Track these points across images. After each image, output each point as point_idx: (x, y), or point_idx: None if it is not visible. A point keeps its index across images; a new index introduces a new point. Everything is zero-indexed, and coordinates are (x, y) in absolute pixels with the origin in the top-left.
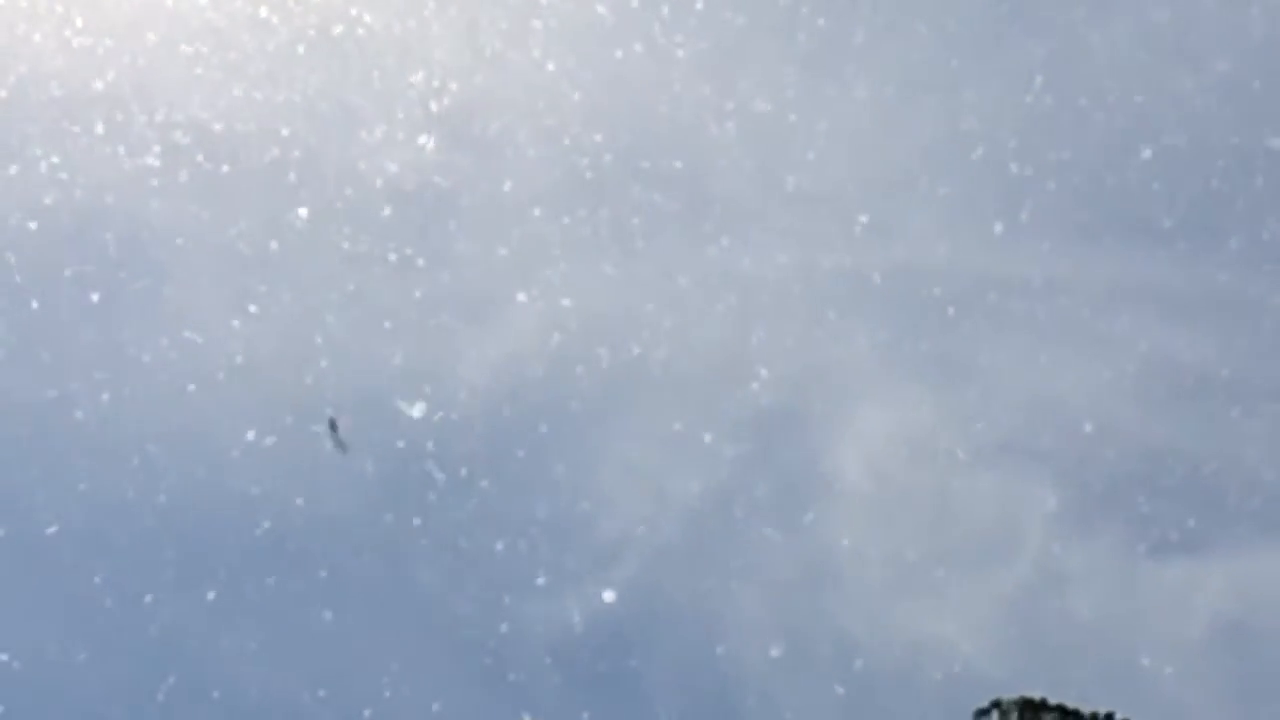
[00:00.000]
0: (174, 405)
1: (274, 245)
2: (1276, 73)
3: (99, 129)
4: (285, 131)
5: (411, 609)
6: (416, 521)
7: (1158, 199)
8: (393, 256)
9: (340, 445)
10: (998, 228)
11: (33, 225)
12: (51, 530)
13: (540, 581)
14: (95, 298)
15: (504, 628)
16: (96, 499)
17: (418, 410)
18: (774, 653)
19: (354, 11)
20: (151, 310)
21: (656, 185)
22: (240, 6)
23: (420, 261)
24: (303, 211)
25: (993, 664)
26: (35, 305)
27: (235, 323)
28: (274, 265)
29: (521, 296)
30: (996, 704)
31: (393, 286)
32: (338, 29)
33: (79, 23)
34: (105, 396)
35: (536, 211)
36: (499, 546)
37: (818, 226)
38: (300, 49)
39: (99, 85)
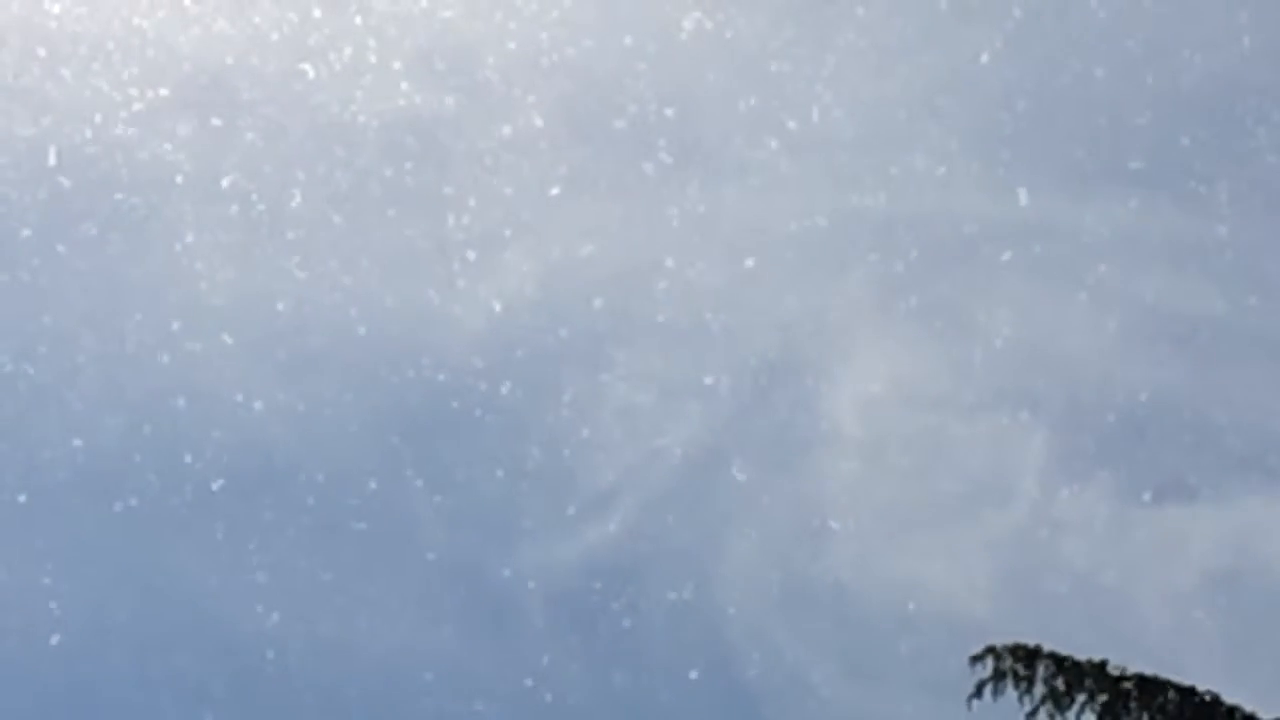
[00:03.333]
0: (165, 347)
1: (265, 187)
2: (1274, 17)
3: (88, 70)
4: (277, 73)
5: (404, 552)
6: (409, 465)
7: (1157, 146)
8: (384, 199)
9: None
10: (996, 175)
11: (23, 168)
12: (48, 472)
13: (533, 526)
14: (85, 239)
15: (497, 572)
16: (88, 442)
17: None
18: (768, 598)
19: None
20: (142, 252)
21: (652, 130)
22: None
23: (412, 205)
24: (293, 154)
25: (987, 611)
26: (27, 243)
27: (225, 265)
28: (264, 208)
29: (515, 241)
30: (991, 650)
31: (385, 229)
32: None
33: None
34: (95, 338)
35: (530, 156)
36: (492, 491)
37: (813, 172)
38: None
39: (90, 28)
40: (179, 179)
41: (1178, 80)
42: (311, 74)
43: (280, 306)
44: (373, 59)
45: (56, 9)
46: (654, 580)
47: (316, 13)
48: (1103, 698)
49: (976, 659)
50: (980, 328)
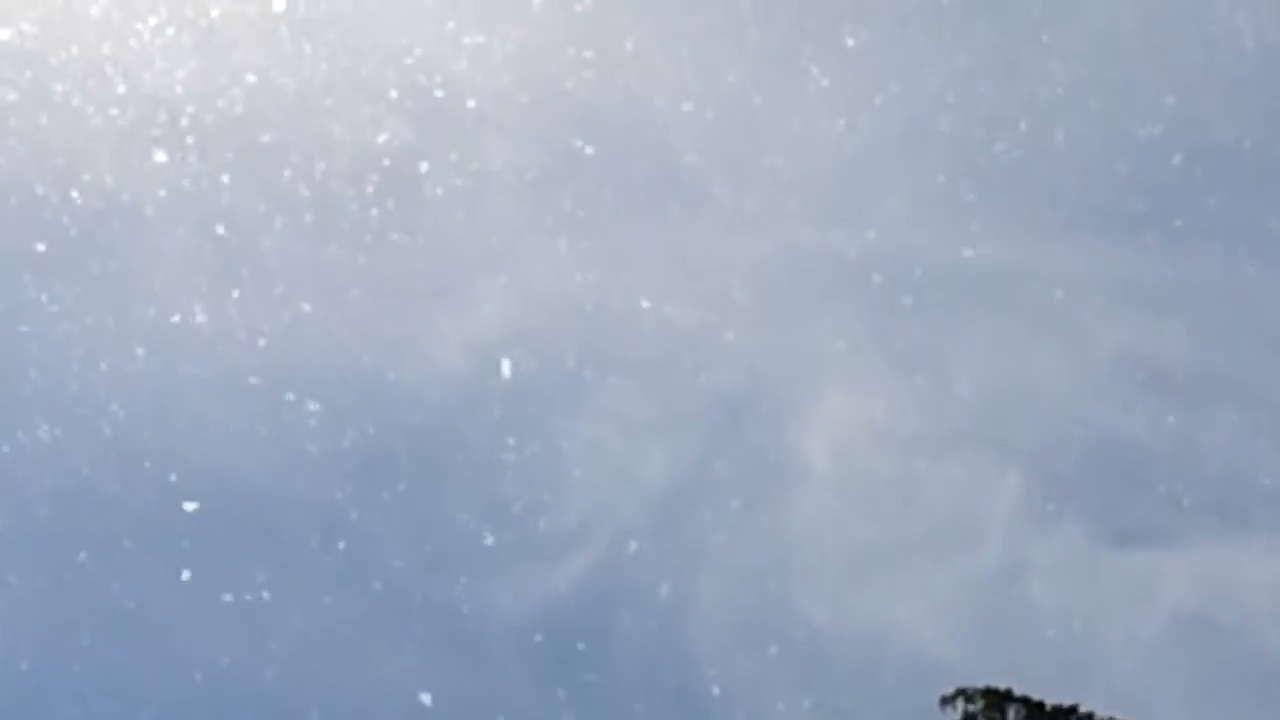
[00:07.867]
0: (138, 379)
1: (240, 221)
2: (1255, 64)
3: (62, 100)
4: (254, 107)
5: (371, 589)
6: (379, 501)
7: (1129, 189)
8: (358, 234)
9: None
10: (968, 215)
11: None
12: (16, 496)
13: (501, 564)
14: (59, 270)
15: (464, 610)
16: (58, 467)
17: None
18: (736, 637)
19: None
20: (115, 284)
21: (627, 168)
22: None
23: (385, 240)
24: (266, 189)
25: (957, 652)
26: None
27: (200, 297)
28: (239, 241)
29: (488, 277)
30: (961, 692)
31: (359, 265)
32: (309, 3)
33: None
34: (70, 369)
35: (504, 192)
36: (460, 528)
37: (786, 211)
38: (268, 23)
39: (63, 57)
40: (149, 211)
41: (1147, 126)
42: (286, 109)
43: (252, 341)
44: (348, 95)
45: (28, 41)
46: (623, 617)
47: (290, 49)
48: None
49: (947, 701)
50: (951, 370)
